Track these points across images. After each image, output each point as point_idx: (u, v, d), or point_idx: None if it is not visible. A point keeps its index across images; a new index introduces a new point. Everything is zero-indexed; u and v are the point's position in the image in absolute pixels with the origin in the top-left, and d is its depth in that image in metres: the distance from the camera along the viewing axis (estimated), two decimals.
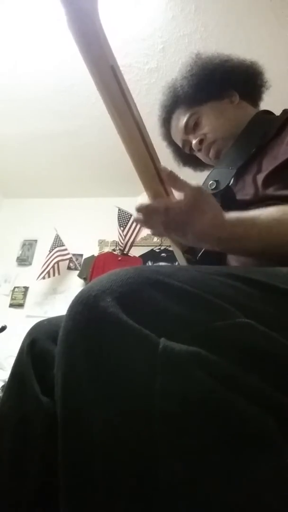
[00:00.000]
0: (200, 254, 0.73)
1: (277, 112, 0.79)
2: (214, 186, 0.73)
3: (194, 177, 0.71)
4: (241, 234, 0.53)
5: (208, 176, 0.77)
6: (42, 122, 2.43)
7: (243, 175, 0.71)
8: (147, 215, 0.54)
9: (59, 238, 2.91)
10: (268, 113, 0.82)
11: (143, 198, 0.55)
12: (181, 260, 0.73)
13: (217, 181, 0.73)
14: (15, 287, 2.95)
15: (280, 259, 0.52)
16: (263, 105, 0.89)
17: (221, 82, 0.81)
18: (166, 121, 0.90)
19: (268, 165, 0.65)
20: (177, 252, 0.73)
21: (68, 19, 0.35)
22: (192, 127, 0.83)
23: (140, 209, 0.54)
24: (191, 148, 0.87)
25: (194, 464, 0.25)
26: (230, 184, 0.72)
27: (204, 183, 0.77)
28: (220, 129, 0.80)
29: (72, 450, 0.29)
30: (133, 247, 2.92)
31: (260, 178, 0.64)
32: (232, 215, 0.54)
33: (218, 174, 0.75)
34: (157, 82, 2.01)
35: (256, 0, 1.66)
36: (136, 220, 0.57)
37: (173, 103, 0.86)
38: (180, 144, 0.90)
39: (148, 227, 0.58)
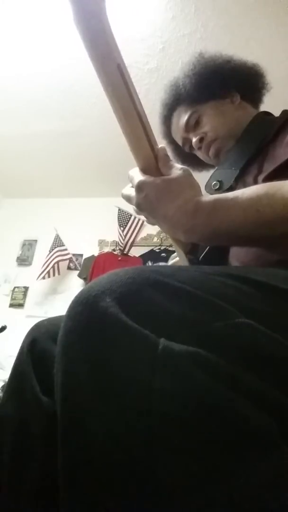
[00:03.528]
0: (202, 255, 0.73)
1: (277, 113, 0.79)
2: (217, 187, 0.73)
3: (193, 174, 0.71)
4: (221, 218, 0.47)
5: (211, 176, 0.78)
6: (42, 122, 2.43)
7: (244, 176, 0.71)
8: (129, 193, 0.52)
9: (59, 238, 2.91)
10: (268, 114, 0.82)
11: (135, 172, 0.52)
12: (183, 261, 0.73)
13: (220, 182, 0.73)
14: (15, 287, 2.96)
15: (272, 242, 0.48)
16: (263, 106, 0.89)
17: (223, 82, 0.81)
18: (167, 119, 0.90)
19: (268, 166, 0.65)
20: (179, 252, 0.73)
21: (75, 17, 0.34)
22: (192, 125, 0.83)
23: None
24: (191, 147, 0.87)
25: (193, 465, 0.25)
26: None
27: (207, 183, 0.77)
28: (221, 128, 0.80)
29: (72, 450, 0.29)
30: (133, 247, 2.92)
31: (260, 179, 0.64)
32: (210, 198, 0.49)
33: (221, 174, 0.75)
34: (157, 82, 2.02)
35: (256, 0, 1.66)
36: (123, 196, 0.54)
37: (175, 101, 0.86)
38: (180, 142, 0.90)
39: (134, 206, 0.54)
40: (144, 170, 0.51)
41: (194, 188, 0.50)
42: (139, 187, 0.49)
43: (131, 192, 0.52)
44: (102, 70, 0.38)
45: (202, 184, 0.76)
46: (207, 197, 0.49)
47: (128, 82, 0.40)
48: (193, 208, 0.48)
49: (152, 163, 0.50)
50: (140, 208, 0.52)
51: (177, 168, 0.50)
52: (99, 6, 0.34)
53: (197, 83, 0.81)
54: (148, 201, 0.49)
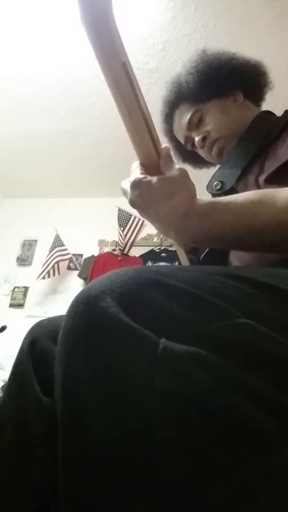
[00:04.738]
0: (203, 254, 0.73)
1: (278, 112, 0.79)
2: (219, 187, 0.73)
3: (194, 174, 0.71)
4: (213, 222, 0.47)
5: (213, 176, 0.78)
6: (42, 122, 2.43)
7: (246, 175, 0.71)
8: (126, 187, 0.52)
9: (59, 238, 2.91)
10: (269, 113, 0.82)
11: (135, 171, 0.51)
12: (183, 260, 0.73)
13: (222, 182, 0.73)
14: (15, 287, 2.96)
15: (262, 249, 0.49)
16: (265, 106, 0.89)
17: (226, 80, 0.81)
18: (169, 117, 0.90)
19: (270, 166, 0.65)
20: (180, 252, 0.73)
21: (82, 14, 0.34)
22: (195, 124, 0.83)
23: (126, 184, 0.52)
24: (193, 145, 0.86)
25: (194, 465, 0.25)
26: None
27: (209, 183, 0.77)
28: (224, 127, 0.80)
29: (73, 451, 0.29)
30: (133, 247, 2.92)
31: (262, 179, 0.64)
32: (204, 201, 0.49)
33: (222, 174, 0.75)
34: (157, 82, 2.01)
35: (257, 0, 1.66)
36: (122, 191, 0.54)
37: (177, 99, 0.85)
38: (182, 141, 0.89)
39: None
40: (145, 168, 0.51)
41: (189, 189, 0.50)
42: (134, 185, 0.49)
43: (128, 187, 0.52)
44: (108, 68, 0.38)
45: (203, 183, 0.76)
46: (201, 200, 0.49)
47: (133, 80, 0.40)
48: (186, 210, 0.48)
49: (154, 161, 0.50)
50: (133, 205, 0.52)
51: (175, 168, 0.50)
52: (106, 3, 0.34)
53: (200, 81, 0.80)
54: (142, 199, 0.49)
